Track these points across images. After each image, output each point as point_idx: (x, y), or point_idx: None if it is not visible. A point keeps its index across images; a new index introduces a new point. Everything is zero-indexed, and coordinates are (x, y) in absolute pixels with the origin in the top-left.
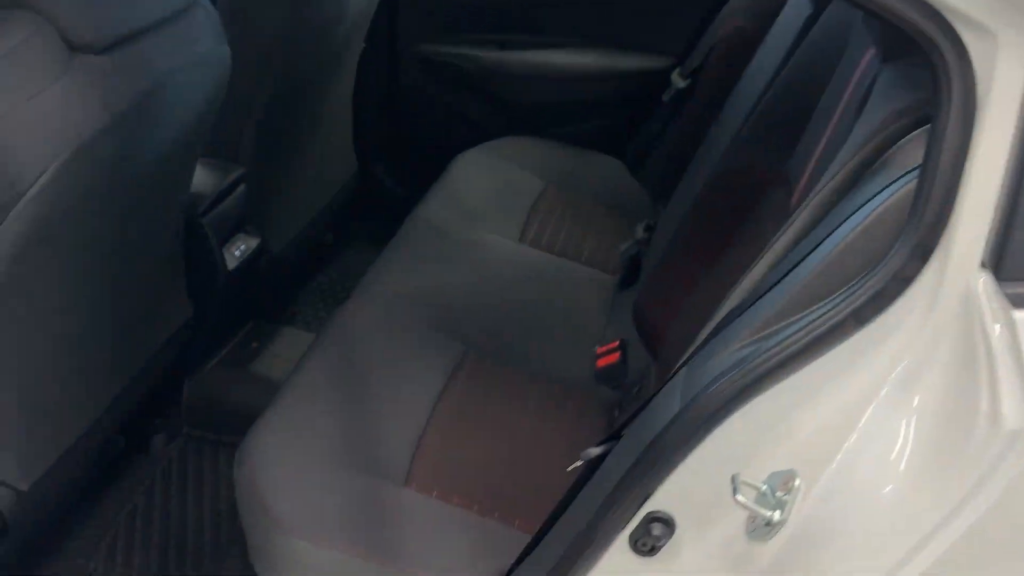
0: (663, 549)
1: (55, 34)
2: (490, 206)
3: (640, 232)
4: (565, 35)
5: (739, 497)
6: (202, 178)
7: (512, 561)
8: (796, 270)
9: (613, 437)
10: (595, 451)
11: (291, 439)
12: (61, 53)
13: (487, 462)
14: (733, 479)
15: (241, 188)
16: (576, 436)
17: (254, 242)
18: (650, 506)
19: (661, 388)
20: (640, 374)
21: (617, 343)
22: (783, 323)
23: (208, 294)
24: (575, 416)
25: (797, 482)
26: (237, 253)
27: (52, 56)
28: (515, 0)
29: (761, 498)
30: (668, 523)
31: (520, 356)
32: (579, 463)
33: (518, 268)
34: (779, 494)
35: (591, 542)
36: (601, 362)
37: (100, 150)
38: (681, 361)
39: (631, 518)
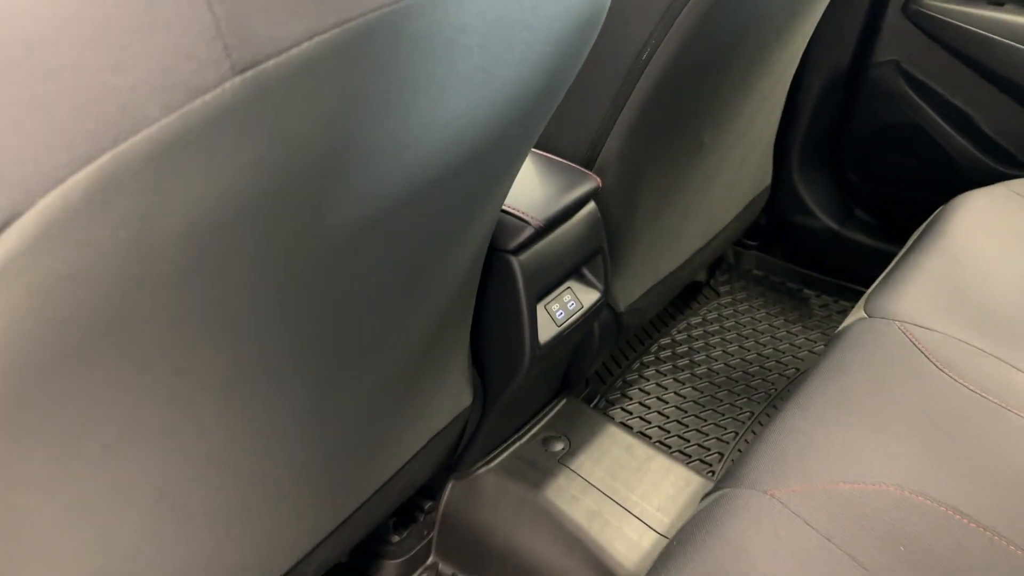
0: None
1: None
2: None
3: None
4: None
5: None
6: (532, 193)
7: None
8: None
9: None
10: None
11: None
12: None
13: None
14: None
15: (589, 210)
16: None
17: (591, 296)
18: None
19: None
20: None
21: None
22: None
23: (506, 372)
24: None
25: None
26: (560, 313)
27: None
28: None
29: None
30: None
31: None
32: None
33: None
34: None
35: None
36: None
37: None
38: None
39: None
